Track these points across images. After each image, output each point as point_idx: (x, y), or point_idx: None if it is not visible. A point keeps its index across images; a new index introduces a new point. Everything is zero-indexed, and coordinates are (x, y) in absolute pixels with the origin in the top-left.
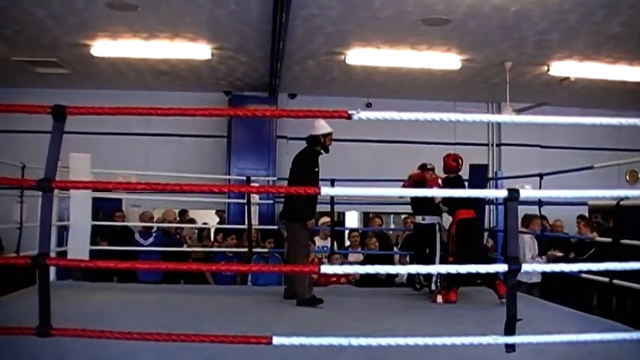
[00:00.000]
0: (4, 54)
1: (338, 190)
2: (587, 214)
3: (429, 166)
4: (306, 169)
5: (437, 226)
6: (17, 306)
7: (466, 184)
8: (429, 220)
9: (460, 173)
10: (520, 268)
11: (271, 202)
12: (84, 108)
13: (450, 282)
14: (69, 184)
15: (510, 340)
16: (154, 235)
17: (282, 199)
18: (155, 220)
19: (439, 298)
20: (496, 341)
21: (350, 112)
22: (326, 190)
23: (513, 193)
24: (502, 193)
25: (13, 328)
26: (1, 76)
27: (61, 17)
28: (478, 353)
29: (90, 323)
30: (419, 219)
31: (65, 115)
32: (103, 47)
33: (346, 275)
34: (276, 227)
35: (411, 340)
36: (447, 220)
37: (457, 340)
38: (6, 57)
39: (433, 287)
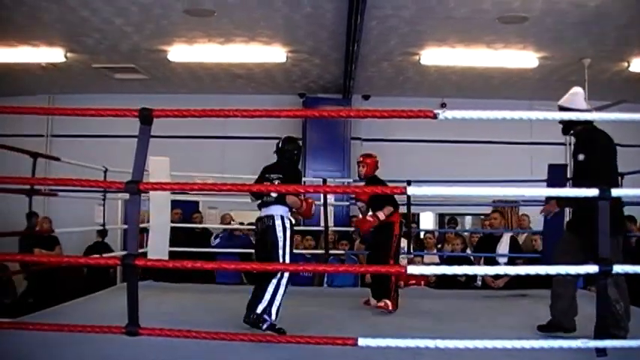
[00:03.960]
0: (85, 62)
1: (425, 190)
2: None
3: None
4: None
5: (277, 220)
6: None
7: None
8: (264, 212)
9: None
10: (611, 269)
11: (346, 203)
12: (170, 111)
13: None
14: (156, 186)
15: (601, 344)
16: (220, 236)
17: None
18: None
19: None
20: (586, 345)
21: (435, 111)
22: (412, 190)
23: (605, 192)
24: (593, 192)
25: (103, 327)
26: (83, 83)
27: (139, 25)
28: (562, 358)
29: (172, 323)
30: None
31: (152, 119)
32: (179, 52)
33: (424, 277)
34: (351, 229)
35: (498, 343)
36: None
37: (545, 344)
38: (87, 65)
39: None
